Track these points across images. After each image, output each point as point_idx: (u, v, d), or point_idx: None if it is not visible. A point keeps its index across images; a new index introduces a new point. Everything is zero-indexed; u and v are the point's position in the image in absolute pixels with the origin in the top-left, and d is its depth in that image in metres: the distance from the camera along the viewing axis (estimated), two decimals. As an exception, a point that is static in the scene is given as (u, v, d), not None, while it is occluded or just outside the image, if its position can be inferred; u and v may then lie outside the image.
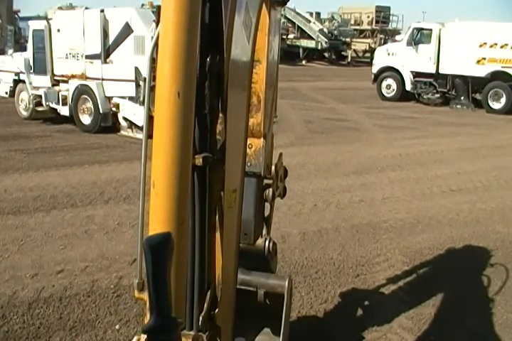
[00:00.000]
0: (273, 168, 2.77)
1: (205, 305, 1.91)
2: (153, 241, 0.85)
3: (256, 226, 2.70)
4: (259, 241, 2.75)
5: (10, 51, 13.40)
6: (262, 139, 2.60)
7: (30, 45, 12.15)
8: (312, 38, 34.75)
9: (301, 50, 35.48)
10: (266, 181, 2.75)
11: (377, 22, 38.69)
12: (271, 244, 2.76)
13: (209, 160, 1.74)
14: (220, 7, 1.69)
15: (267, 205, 2.85)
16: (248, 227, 2.63)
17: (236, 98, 1.93)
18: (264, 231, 2.81)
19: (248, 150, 2.53)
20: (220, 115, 1.78)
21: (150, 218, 1.58)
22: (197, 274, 1.88)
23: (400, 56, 18.51)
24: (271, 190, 2.76)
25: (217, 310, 1.98)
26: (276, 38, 2.62)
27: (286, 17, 36.01)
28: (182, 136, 1.54)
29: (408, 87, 18.41)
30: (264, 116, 2.57)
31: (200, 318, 1.89)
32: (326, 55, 37.37)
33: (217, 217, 1.92)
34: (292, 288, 2.79)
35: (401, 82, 18.53)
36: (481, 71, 16.63)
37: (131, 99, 10.41)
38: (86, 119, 11.39)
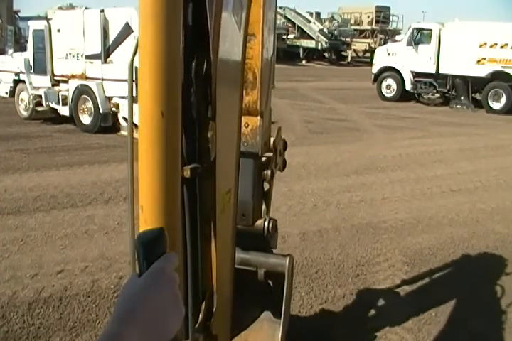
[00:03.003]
0: (272, 146, 2.67)
1: (200, 316, 1.84)
2: (146, 238, 0.85)
3: (254, 207, 2.62)
4: (259, 222, 2.67)
5: (10, 51, 13.39)
6: (258, 117, 2.49)
7: (30, 45, 12.14)
8: (312, 38, 34.78)
9: (301, 50, 35.53)
10: (264, 158, 2.65)
11: (377, 22, 38.71)
12: (270, 225, 2.67)
13: (198, 171, 1.64)
14: (204, 5, 1.54)
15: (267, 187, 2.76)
16: (246, 208, 2.56)
17: (227, 94, 1.81)
18: (264, 211, 2.73)
19: (244, 129, 2.45)
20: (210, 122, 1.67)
21: None
22: (190, 289, 1.78)
23: (400, 56, 18.51)
24: (269, 171, 2.67)
25: (212, 319, 1.90)
26: (272, 7, 2.49)
27: (286, 17, 36.08)
28: (168, 158, 1.43)
29: (408, 87, 18.40)
30: (261, 93, 2.45)
31: (196, 327, 1.82)
32: (326, 55, 37.41)
33: (210, 224, 1.82)
34: (293, 267, 2.75)
35: (401, 82, 18.53)
36: (481, 71, 16.63)
37: (131, 99, 10.38)
38: (86, 119, 11.38)
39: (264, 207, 2.74)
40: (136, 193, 1.50)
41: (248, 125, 2.48)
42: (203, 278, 1.83)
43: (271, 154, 2.70)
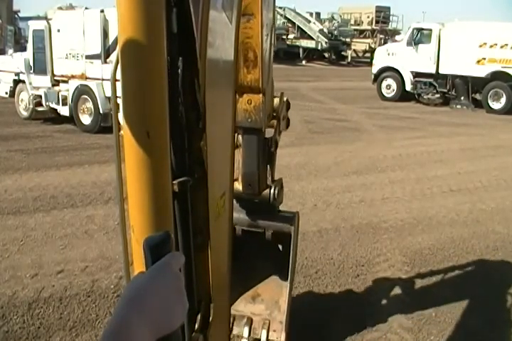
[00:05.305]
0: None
1: (197, 326, 1.77)
2: (153, 242, 0.85)
3: (260, 178, 2.79)
4: (265, 191, 2.87)
5: (10, 51, 13.39)
6: (261, 95, 2.57)
7: (30, 45, 12.14)
8: (312, 38, 34.80)
9: (301, 50, 35.54)
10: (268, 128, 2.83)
11: (377, 22, 38.75)
12: (276, 191, 2.88)
13: (188, 184, 1.56)
14: (188, 9, 1.41)
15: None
16: (253, 179, 2.75)
17: (220, 93, 1.74)
18: (269, 175, 2.93)
19: (248, 105, 2.56)
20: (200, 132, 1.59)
21: (134, 262, 1.49)
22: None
23: (399, 56, 18.51)
24: (273, 142, 2.85)
25: (209, 327, 1.82)
26: None
27: (286, 17, 36.11)
28: (157, 178, 1.35)
29: (408, 87, 18.41)
30: (262, 71, 2.50)
31: (193, 336, 1.75)
32: (326, 55, 37.43)
33: (204, 233, 1.75)
34: (299, 225, 3.01)
35: (401, 82, 18.53)
36: (481, 71, 16.63)
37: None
38: (86, 119, 11.39)
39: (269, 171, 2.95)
40: (126, 194, 1.46)
41: (251, 102, 2.56)
42: (199, 288, 1.76)
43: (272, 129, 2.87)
